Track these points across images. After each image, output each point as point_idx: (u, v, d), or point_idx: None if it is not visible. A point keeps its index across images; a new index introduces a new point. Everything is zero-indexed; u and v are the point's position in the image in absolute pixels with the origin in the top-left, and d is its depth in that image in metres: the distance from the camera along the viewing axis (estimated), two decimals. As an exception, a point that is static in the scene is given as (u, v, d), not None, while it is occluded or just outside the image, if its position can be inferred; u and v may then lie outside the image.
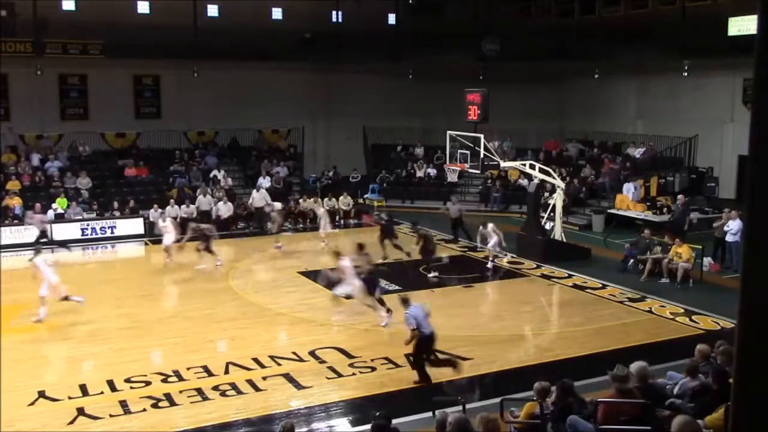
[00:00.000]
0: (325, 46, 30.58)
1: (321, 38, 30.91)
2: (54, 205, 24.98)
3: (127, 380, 12.10)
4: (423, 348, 11.79)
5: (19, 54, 26.93)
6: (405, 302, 12.28)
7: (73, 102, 30.03)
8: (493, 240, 20.15)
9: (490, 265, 20.16)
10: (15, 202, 24.85)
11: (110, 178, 28.33)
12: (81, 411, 10.99)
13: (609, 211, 25.69)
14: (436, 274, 18.80)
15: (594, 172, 28.59)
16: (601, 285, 18.27)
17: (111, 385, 11.94)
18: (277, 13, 31.32)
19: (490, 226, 20.47)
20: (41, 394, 11.59)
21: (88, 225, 24.51)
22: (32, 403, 11.29)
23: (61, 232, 23.77)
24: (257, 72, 30.75)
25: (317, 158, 33.36)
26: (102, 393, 11.67)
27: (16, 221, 24.09)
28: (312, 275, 18.40)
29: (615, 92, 31.58)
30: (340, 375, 12.43)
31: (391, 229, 21.60)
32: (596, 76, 30.82)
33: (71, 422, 10.69)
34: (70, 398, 11.45)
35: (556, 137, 32.67)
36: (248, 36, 28.74)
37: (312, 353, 13.38)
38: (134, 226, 24.94)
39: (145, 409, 11.08)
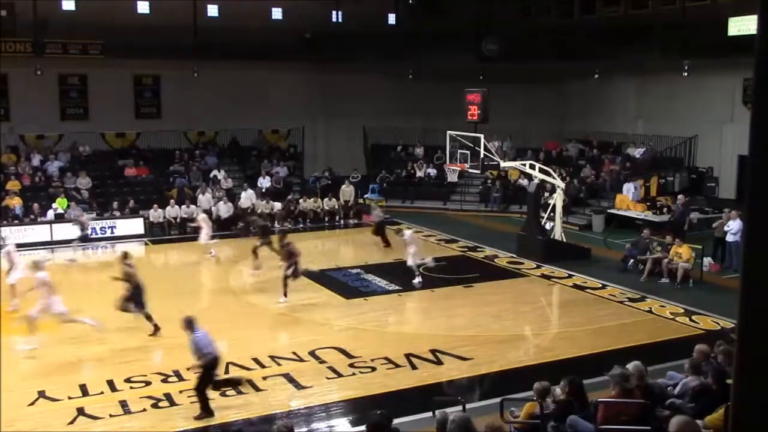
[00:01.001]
0: (325, 46, 30.57)
1: (321, 38, 30.91)
2: (54, 205, 24.98)
3: (127, 380, 12.11)
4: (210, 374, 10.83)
5: (19, 54, 26.93)
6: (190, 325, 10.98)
7: (73, 102, 30.04)
8: (411, 249, 18.65)
9: (416, 281, 18.37)
10: (15, 202, 24.85)
11: (110, 178, 28.34)
12: (81, 411, 11.01)
13: (609, 211, 25.69)
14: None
15: (594, 172, 28.59)
16: (601, 285, 18.28)
17: (111, 385, 11.95)
18: (277, 13, 31.29)
19: (407, 233, 19.40)
20: (41, 394, 11.60)
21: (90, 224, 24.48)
22: (32, 403, 11.31)
23: (61, 232, 23.74)
24: (257, 72, 30.73)
25: (317, 158, 33.35)
26: (102, 393, 11.68)
27: (16, 221, 24.09)
28: (312, 275, 18.33)
29: (615, 92, 31.59)
30: (340, 375, 12.44)
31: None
32: (596, 76, 30.81)
33: (71, 422, 10.70)
34: (70, 398, 11.47)
35: (556, 137, 32.68)
36: (248, 36, 28.72)
37: (312, 353, 13.39)
38: (134, 226, 24.95)
39: (145, 409, 11.09)
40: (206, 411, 10.75)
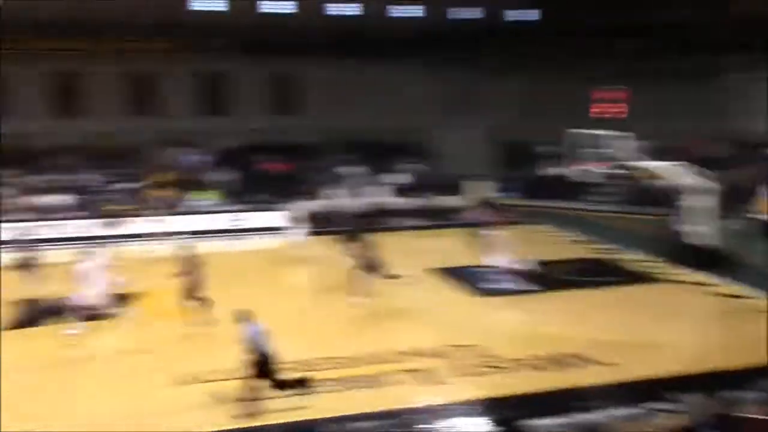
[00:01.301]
0: (458, 43, 30.32)
1: (454, 34, 30.69)
2: (197, 197, 26.17)
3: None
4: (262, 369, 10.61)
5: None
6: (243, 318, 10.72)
7: (212, 97, 31.19)
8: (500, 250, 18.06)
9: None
10: (164, 193, 26.27)
11: (250, 172, 29.32)
12: (219, 395, 11.32)
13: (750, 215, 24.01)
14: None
15: (747, 174, 26.80)
16: (753, 294, 17.09)
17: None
18: (413, 10, 31.36)
19: (493, 233, 18.67)
20: (193, 378, 12.09)
21: (229, 217, 25.49)
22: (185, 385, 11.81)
23: (203, 224, 24.80)
24: (384, 69, 30.86)
25: (447, 157, 33.10)
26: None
27: (160, 211, 25.43)
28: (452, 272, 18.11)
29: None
30: (476, 374, 12.25)
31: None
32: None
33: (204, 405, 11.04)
34: (207, 382, 11.87)
35: (705, 136, 30.92)
36: (387, 33, 28.94)
37: (448, 349, 13.28)
38: (272, 219, 25.67)
39: (288, 396, 11.28)
40: (255, 407, 10.59)
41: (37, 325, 15.09)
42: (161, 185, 26.87)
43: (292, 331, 14.65)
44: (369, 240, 17.23)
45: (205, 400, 11.20)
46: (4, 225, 22.32)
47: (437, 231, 25.58)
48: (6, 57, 27.20)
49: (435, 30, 31.03)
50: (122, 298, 15.87)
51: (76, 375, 12.50)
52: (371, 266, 16.46)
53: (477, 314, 15.94)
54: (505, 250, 17.98)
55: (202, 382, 11.90)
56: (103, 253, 15.77)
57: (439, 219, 26.86)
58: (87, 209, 25.49)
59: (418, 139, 32.77)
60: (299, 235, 21.43)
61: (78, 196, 26.13)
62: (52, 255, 19.25)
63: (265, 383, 10.59)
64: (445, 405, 11.12)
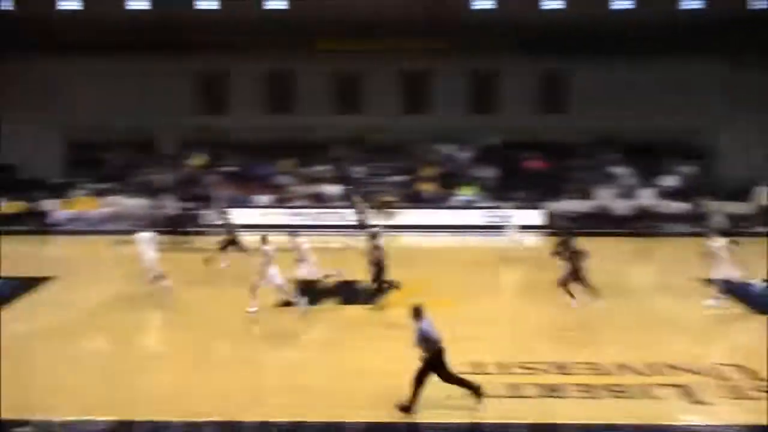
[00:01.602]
0: (744, 36, 27.73)
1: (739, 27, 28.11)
2: (460, 192, 26.73)
3: (517, 365, 12.33)
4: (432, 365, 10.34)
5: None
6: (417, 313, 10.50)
7: (480, 96, 31.51)
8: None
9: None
10: (428, 187, 27.17)
11: (513, 170, 29.32)
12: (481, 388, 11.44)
13: None
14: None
15: None
16: None
17: (501, 366, 12.29)
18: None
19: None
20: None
21: (488, 213, 25.71)
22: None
23: (465, 218, 25.26)
24: (665, 65, 29.10)
25: (731, 158, 30.38)
26: (491, 373, 12.05)
27: (426, 204, 26.27)
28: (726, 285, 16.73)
29: None
30: (744, 396, 11.17)
31: None
32: None
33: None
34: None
35: None
36: (658, 27, 27.36)
37: (713, 367, 12.26)
38: (532, 217, 25.45)
39: (531, 397, 11.17)
40: (412, 403, 10.35)
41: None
42: (427, 179, 27.84)
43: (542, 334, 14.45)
44: (578, 246, 16.42)
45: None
46: (282, 211, 24.49)
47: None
48: (297, 56, 29.95)
49: (721, 19, 28.62)
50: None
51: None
52: (575, 274, 15.72)
53: (746, 331, 14.53)
54: None
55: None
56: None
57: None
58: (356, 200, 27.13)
59: (692, 139, 30.53)
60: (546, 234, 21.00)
61: (347, 187, 27.90)
62: (321, 241, 20.91)
63: (435, 377, 10.46)
64: (711, 426, 10.27)
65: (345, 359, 12.82)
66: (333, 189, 27.48)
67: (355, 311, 15.95)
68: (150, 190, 27.38)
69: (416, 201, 27.03)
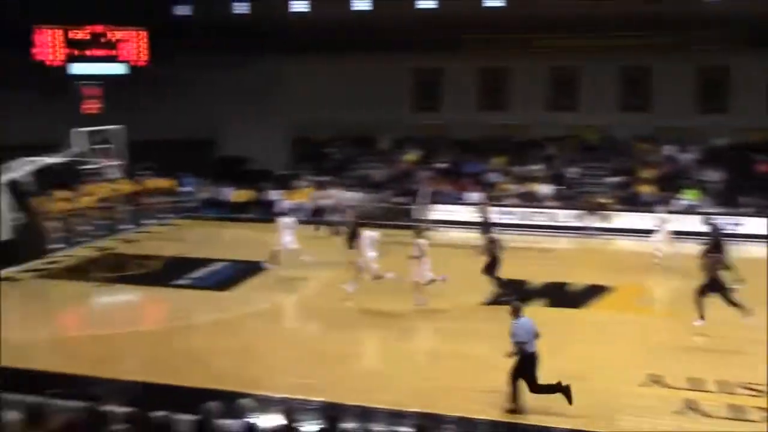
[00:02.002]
0: None
1: None
2: (681, 196, 25.20)
3: (741, 386, 11.40)
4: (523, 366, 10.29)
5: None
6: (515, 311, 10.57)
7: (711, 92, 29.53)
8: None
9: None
10: (646, 189, 25.91)
11: (741, 173, 27.04)
12: (691, 404, 10.78)
13: None
14: None
15: None
16: None
17: (722, 385, 11.44)
18: None
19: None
20: (652, 379, 11.77)
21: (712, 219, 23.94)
22: (643, 385, 11.59)
23: (684, 223, 23.71)
24: None
25: None
26: (712, 392, 11.27)
27: (644, 208, 25.01)
28: None
29: None
30: None
31: None
32: None
33: (678, 412, 10.58)
34: (679, 389, 11.36)
35: None
36: None
37: None
38: (762, 226, 23.34)
39: (755, 421, 10.28)
40: (514, 403, 10.39)
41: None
42: (646, 181, 26.58)
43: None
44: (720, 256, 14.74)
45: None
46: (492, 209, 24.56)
47: None
48: (511, 53, 29.80)
49: None
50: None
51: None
52: (714, 285, 14.01)
53: None
54: None
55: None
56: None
57: None
58: (569, 199, 26.44)
59: None
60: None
61: (560, 187, 27.24)
62: (532, 241, 20.68)
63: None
64: None
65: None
66: (545, 188, 26.95)
67: (561, 313, 15.59)
68: (367, 184, 28.42)
69: (633, 203, 25.79)
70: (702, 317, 13.97)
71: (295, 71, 31.76)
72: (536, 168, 28.33)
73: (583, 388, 10.58)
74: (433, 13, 30.30)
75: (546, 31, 29.21)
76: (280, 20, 31.53)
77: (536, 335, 10.43)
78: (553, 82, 31.04)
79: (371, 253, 16.29)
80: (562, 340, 13.10)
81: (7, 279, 18.01)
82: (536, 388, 10.36)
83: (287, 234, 18.25)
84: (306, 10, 31.64)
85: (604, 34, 28.55)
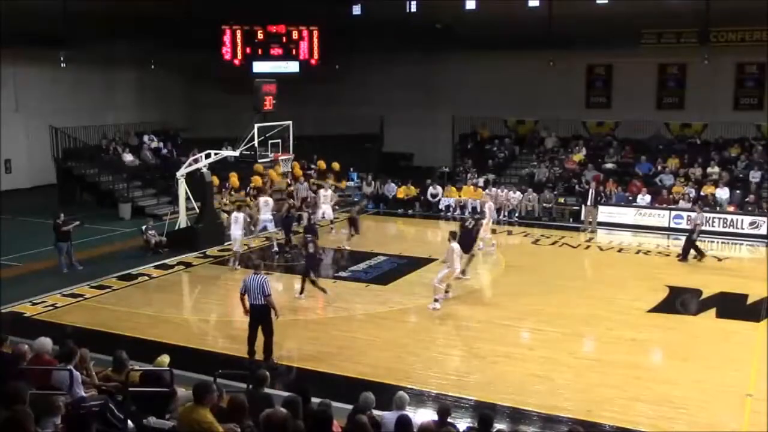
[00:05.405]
0: None
1: None
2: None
3: None
4: None
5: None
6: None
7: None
8: None
9: None
10: (712, 191, 25.11)
11: None
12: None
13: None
14: None
15: None
16: None
17: None
18: None
19: None
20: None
21: None
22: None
23: None
24: None
25: None
26: None
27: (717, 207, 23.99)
28: None
29: None
30: None
31: None
32: None
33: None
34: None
35: None
36: None
37: None
38: None
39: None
40: None
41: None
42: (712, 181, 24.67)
43: None
44: None
45: None
46: (660, 212, 23.41)
47: None
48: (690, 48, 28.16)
49: None
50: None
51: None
52: None
53: None
54: None
55: None
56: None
57: None
58: (750, 205, 24.57)
59: None
60: None
61: (740, 192, 25.39)
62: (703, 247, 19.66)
63: None
64: None
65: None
66: (723, 192, 25.11)
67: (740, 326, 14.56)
68: (531, 183, 27.81)
69: None
70: None
71: (462, 68, 31.78)
72: (713, 171, 26.51)
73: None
74: (608, 8, 28.99)
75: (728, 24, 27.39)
76: (452, 19, 31.52)
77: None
78: (736, 79, 29.10)
79: (457, 266, 16.02)
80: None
81: (184, 264, 19.34)
82: None
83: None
84: (473, 8, 31.26)
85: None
